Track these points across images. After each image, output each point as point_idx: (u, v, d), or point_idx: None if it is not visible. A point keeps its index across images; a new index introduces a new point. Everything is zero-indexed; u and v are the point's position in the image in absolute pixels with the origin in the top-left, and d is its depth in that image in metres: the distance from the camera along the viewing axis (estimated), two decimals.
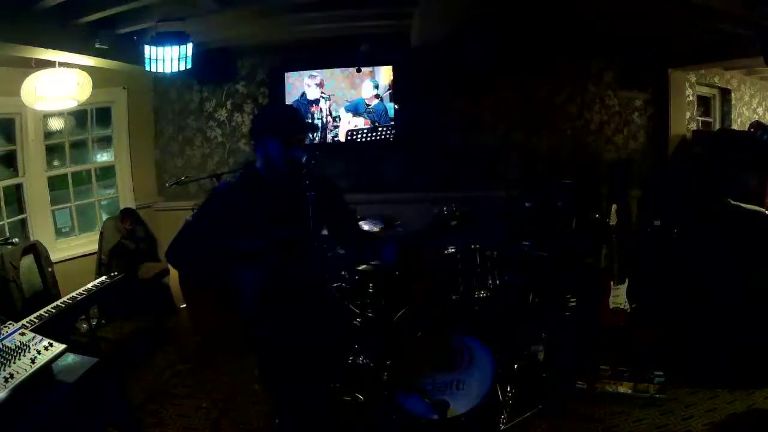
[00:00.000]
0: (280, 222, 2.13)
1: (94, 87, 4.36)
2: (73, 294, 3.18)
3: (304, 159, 2.11)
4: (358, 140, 5.49)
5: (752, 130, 5.16)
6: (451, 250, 3.59)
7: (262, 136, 2.22)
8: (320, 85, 5.46)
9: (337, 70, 5.48)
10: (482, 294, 3.54)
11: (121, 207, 5.42)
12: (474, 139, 5.62)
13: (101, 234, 5.04)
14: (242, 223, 2.14)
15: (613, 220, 3.95)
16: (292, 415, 2.27)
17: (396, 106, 5.49)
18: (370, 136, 5.52)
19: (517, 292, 3.72)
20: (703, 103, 6.58)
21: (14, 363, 2.22)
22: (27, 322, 2.67)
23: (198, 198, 5.65)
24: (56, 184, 5.18)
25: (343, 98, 5.49)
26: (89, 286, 3.33)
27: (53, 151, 5.13)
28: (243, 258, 2.12)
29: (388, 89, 5.48)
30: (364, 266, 3.44)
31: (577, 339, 3.79)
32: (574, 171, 5.03)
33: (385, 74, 5.47)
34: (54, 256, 4.52)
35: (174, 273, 4.66)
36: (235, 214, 2.16)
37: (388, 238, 3.13)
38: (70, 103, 4.33)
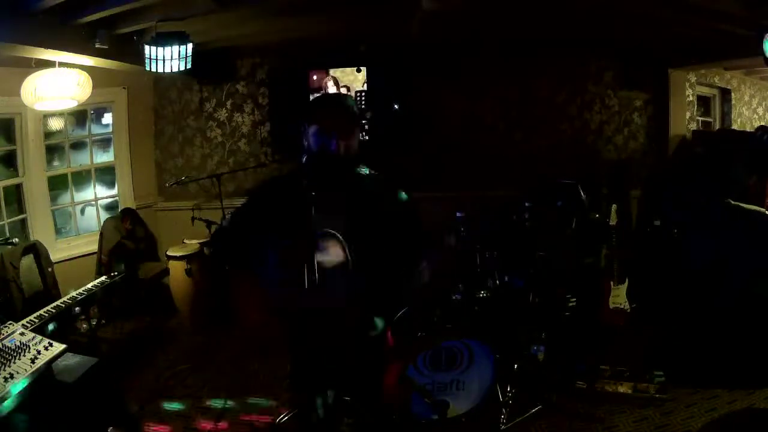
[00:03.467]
0: (294, 224, 1.88)
1: (94, 87, 4.35)
2: (73, 294, 3.19)
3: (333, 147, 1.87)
4: None
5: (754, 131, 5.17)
6: None
7: (303, 122, 1.97)
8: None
9: (337, 70, 5.48)
10: (482, 294, 3.54)
11: (121, 207, 5.44)
12: (474, 139, 5.62)
13: (101, 234, 5.05)
14: (270, 220, 1.95)
15: (613, 220, 3.96)
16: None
17: (396, 106, 5.48)
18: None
19: (517, 292, 3.72)
20: (703, 103, 6.57)
21: (14, 363, 2.23)
22: (27, 322, 2.68)
23: (198, 198, 5.68)
24: (56, 184, 5.18)
25: None
26: (89, 286, 3.34)
27: (53, 151, 5.14)
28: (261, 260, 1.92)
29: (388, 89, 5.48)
30: None
31: (577, 339, 3.79)
32: (574, 171, 5.01)
33: (384, 74, 5.46)
34: (54, 256, 4.53)
35: (174, 273, 4.66)
36: (263, 209, 1.99)
37: None
38: (70, 103, 4.32)
